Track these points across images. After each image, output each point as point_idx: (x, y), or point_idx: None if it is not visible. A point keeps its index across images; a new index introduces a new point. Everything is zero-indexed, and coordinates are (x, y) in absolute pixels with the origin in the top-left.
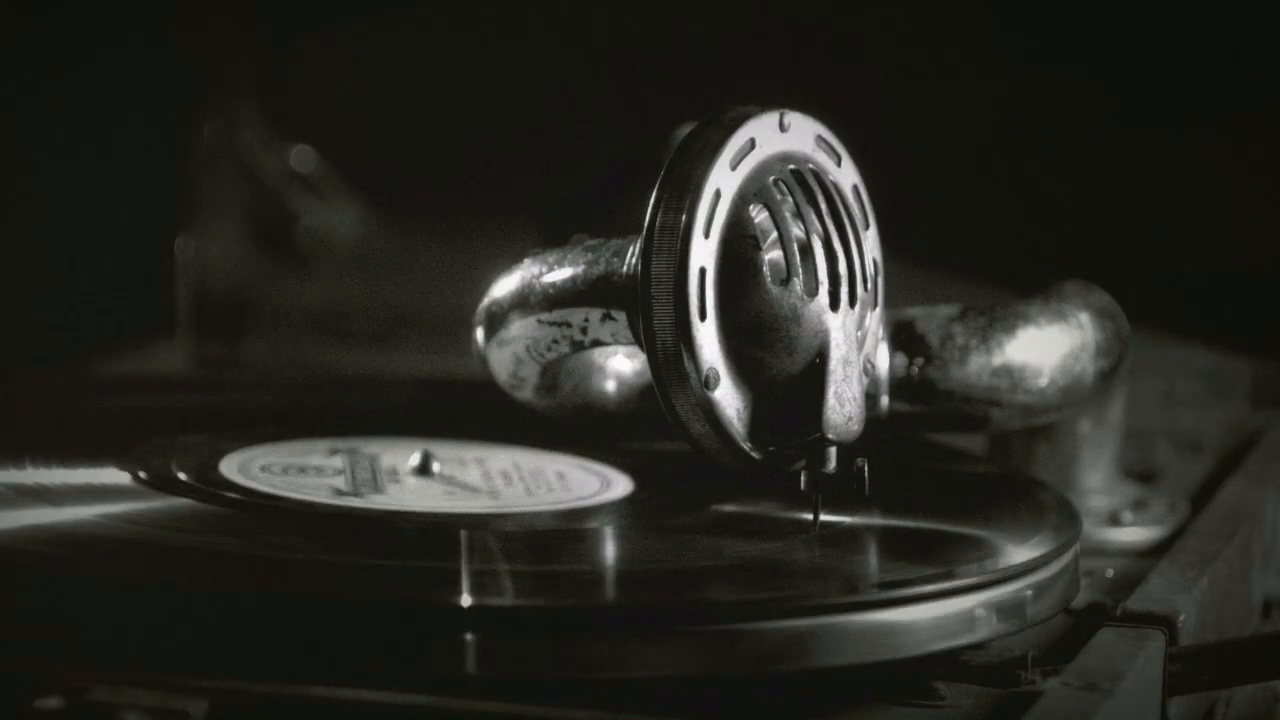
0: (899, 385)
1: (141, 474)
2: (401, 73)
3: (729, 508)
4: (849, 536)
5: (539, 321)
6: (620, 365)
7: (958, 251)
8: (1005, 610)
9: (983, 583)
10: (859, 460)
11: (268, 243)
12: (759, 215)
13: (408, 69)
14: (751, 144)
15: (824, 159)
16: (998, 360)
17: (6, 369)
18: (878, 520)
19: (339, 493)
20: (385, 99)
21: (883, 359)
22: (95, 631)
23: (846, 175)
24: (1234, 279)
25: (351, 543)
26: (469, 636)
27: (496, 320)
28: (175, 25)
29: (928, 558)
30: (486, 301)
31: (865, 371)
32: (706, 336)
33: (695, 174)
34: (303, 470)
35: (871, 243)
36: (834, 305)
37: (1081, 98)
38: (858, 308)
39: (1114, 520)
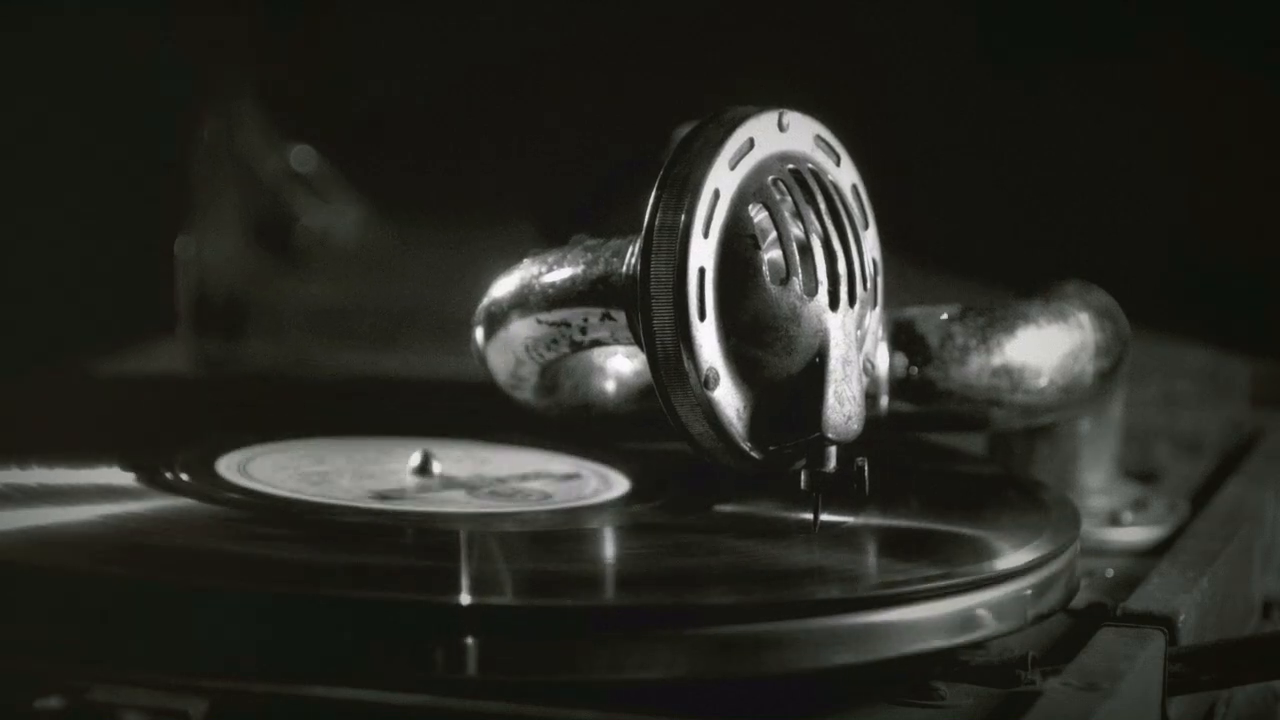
0: (899, 385)
1: (141, 474)
2: (402, 72)
3: (729, 508)
4: (849, 536)
5: (538, 321)
6: (620, 365)
7: (958, 251)
8: (1005, 610)
9: (983, 582)
10: (859, 460)
11: (267, 243)
12: (758, 215)
13: (408, 68)
14: (750, 144)
15: (823, 158)
16: (997, 360)
17: (6, 369)
18: (878, 520)
19: (339, 492)
20: (385, 98)
21: (882, 359)
22: (95, 631)
23: (845, 175)
24: (1234, 279)
25: (351, 542)
26: (469, 637)
27: (496, 320)
28: (175, 25)
29: (928, 558)
30: (486, 301)
31: (865, 371)
32: (706, 336)
33: (694, 174)
34: (302, 470)
35: (871, 242)
36: (833, 305)
37: (1082, 97)
38: (857, 307)
39: (1114, 520)
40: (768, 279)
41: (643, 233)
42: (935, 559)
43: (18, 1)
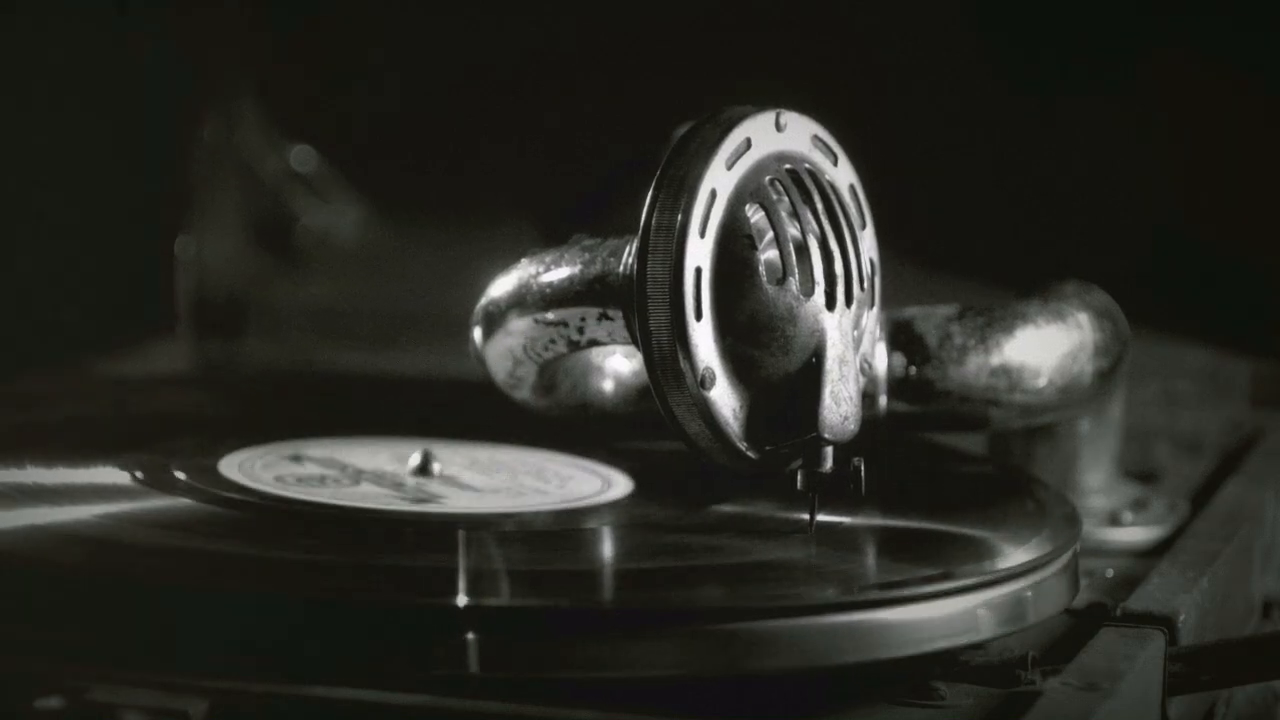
0: (897, 385)
1: (141, 474)
2: (402, 72)
3: (728, 508)
4: (849, 536)
5: (536, 321)
6: (618, 365)
7: (957, 251)
8: (1005, 610)
9: (983, 583)
10: (856, 460)
11: (268, 243)
12: (755, 215)
13: (408, 68)
14: (747, 144)
15: (820, 159)
16: (996, 360)
17: (6, 369)
18: (877, 520)
19: (339, 492)
20: (385, 98)
21: (881, 359)
22: (95, 631)
23: (843, 175)
24: (1234, 279)
25: (351, 543)
26: (468, 636)
27: (494, 320)
28: (175, 25)
29: (927, 558)
30: (484, 301)
31: (862, 371)
32: (702, 336)
33: (691, 174)
34: (302, 470)
35: (868, 242)
36: (830, 305)
37: (1081, 97)
38: (854, 307)
39: (1114, 520)
40: (764, 279)
41: (639, 233)
42: (935, 559)
43: (18, 1)
